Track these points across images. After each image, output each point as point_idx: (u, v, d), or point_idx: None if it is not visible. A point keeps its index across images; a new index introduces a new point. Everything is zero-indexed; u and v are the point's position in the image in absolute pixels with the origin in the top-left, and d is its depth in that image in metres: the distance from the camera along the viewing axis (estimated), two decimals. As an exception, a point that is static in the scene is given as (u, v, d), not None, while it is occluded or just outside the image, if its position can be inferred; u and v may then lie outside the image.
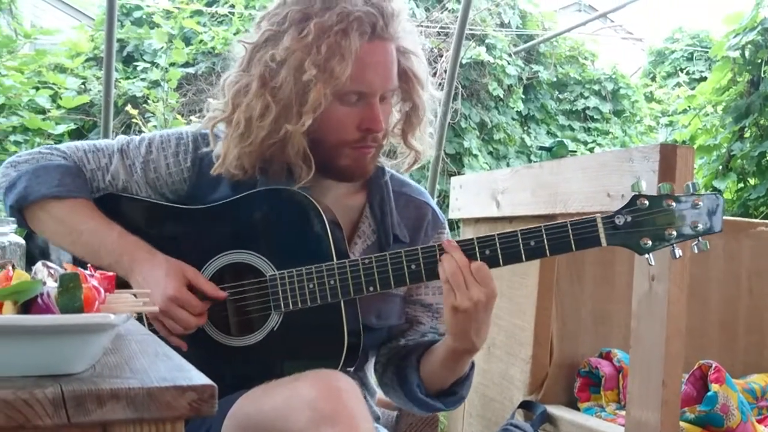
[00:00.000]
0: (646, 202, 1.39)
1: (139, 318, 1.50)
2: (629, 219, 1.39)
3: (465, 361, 1.53)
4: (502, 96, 10.09)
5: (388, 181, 1.63)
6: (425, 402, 1.56)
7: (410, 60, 1.53)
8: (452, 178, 2.84)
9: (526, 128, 10.69)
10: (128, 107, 6.35)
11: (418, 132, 1.60)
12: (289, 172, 1.53)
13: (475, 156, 9.70)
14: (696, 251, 1.40)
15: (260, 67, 1.45)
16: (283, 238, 1.51)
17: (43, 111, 6.40)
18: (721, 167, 5.40)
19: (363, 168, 1.53)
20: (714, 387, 2.08)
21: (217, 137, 1.55)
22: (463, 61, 9.24)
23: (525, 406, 2.31)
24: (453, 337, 1.46)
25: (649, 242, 1.39)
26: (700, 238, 1.39)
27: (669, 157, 1.72)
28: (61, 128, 6.24)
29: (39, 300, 0.87)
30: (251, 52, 1.48)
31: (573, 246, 1.40)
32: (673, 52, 13.02)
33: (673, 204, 1.38)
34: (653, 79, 13.03)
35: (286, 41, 1.43)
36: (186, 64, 8.28)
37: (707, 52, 11.22)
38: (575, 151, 9.90)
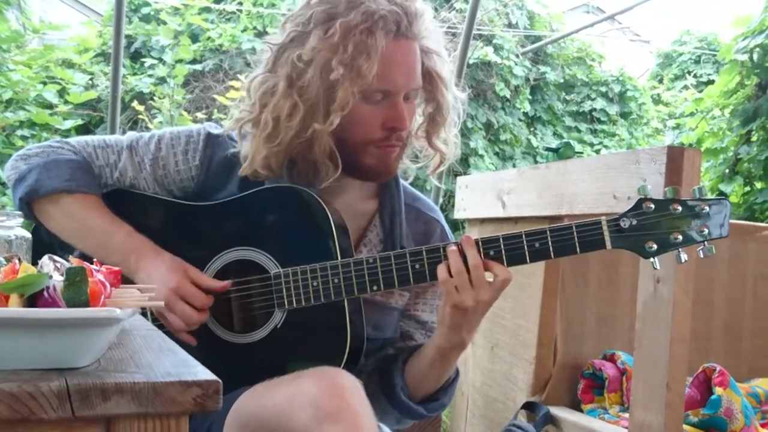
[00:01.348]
0: (652, 205, 1.38)
1: (144, 315, 1.50)
2: (635, 222, 1.38)
3: (453, 360, 1.52)
4: (508, 96, 10.08)
5: (401, 190, 1.63)
6: (407, 405, 1.54)
7: (433, 60, 1.53)
8: (458, 178, 2.83)
9: (532, 129, 10.68)
10: (135, 103, 6.35)
11: (443, 133, 1.60)
12: (315, 171, 1.52)
13: (481, 156, 9.69)
14: (702, 256, 1.39)
15: (287, 68, 1.45)
16: (288, 236, 1.51)
17: (50, 106, 6.41)
18: (727, 171, 5.38)
19: (388, 167, 1.53)
20: (718, 390, 2.08)
21: (232, 139, 1.56)
22: (471, 62, 9.23)
23: (528, 407, 2.30)
24: (445, 332, 1.45)
25: (655, 246, 1.38)
26: (706, 242, 1.38)
27: (676, 159, 1.71)
28: (69, 123, 6.25)
29: (45, 293, 0.87)
30: (276, 52, 1.48)
31: (578, 248, 1.40)
32: (680, 54, 12.99)
33: (680, 208, 1.38)
34: (661, 81, 13.01)
35: (312, 41, 1.43)
36: (193, 61, 8.28)
37: (715, 55, 11.20)
38: (582, 153, 9.89)
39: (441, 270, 1.40)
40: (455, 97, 1.59)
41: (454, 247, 1.41)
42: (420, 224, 1.65)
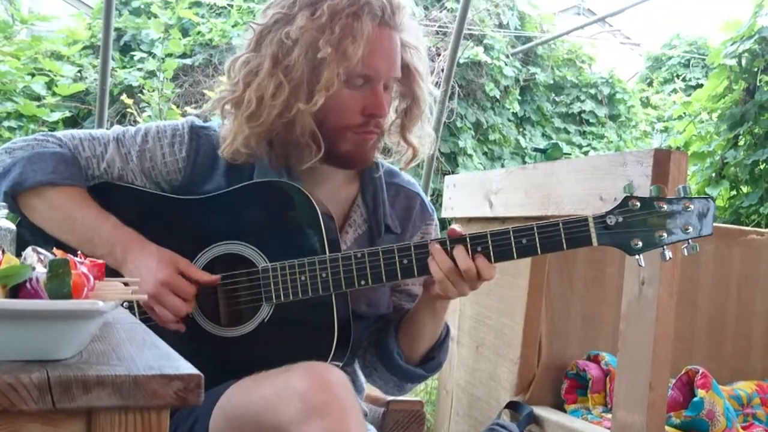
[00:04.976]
0: (638, 203, 1.40)
1: (131, 309, 1.50)
2: (621, 219, 1.40)
3: (442, 314, 1.55)
4: (498, 97, 10.11)
5: (383, 175, 1.64)
6: (405, 369, 1.57)
7: (410, 54, 1.56)
8: (446, 177, 2.84)
9: (521, 130, 10.71)
10: (123, 96, 6.32)
11: (417, 127, 1.62)
12: (296, 152, 1.54)
13: (470, 156, 9.71)
14: (686, 254, 1.41)
15: (272, 47, 1.47)
16: (275, 230, 1.51)
17: (38, 98, 6.37)
18: (714, 174, 5.40)
19: (364, 155, 1.54)
20: (700, 393, 2.09)
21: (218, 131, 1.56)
22: (461, 61, 9.24)
23: (511, 406, 2.31)
24: (431, 298, 1.51)
25: (640, 243, 1.40)
26: (690, 240, 1.40)
27: (662, 162, 1.72)
28: (56, 115, 6.22)
29: (27, 285, 0.87)
30: (260, 33, 1.50)
31: (564, 245, 1.41)
32: (670, 58, 13.06)
33: (665, 206, 1.39)
34: (650, 84, 13.07)
35: (299, 21, 1.45)
36: (183, 55, 8.27)
37: (704, 59, 11.24)
38: (569, 154, 9.92)
39: (434, 267, 1.42)
40: (429, 93, 1.61)
41: (438, 246, 1.43)
42: (401, 199, 1.67)
